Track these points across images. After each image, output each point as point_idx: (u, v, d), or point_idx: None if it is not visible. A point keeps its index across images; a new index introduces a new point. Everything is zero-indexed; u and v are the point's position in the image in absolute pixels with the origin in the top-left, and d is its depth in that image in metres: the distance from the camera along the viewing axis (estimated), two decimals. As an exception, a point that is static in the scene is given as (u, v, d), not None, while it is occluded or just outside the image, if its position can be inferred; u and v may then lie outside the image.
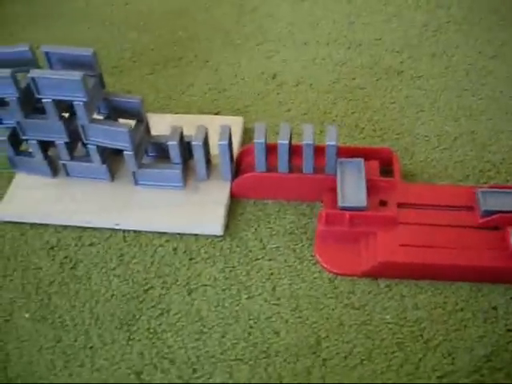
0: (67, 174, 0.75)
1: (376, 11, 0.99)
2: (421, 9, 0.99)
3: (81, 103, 0.65)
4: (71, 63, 0.67)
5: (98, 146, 0.70)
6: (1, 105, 0.70)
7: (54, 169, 0.75)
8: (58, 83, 0.64)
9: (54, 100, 0.66)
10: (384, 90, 0.86)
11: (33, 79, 0.64)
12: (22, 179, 0.75)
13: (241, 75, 0.89)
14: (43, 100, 0.66)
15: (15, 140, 0.72)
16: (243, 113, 0.83)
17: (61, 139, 0.70)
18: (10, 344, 0.62)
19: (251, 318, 0.63)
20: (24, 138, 0.71)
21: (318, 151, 0.69)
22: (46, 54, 0.66)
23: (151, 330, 0.63)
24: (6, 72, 0.65)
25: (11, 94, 0.67)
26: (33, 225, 0.72)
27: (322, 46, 0.93)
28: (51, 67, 0.67)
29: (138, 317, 0.64)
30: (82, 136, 0.69)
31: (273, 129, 0.75)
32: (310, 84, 0.87)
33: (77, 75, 0.63)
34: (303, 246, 0.69)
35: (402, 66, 0.90)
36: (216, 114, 0.84)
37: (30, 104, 0.69)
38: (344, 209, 0.67)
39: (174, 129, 0.71)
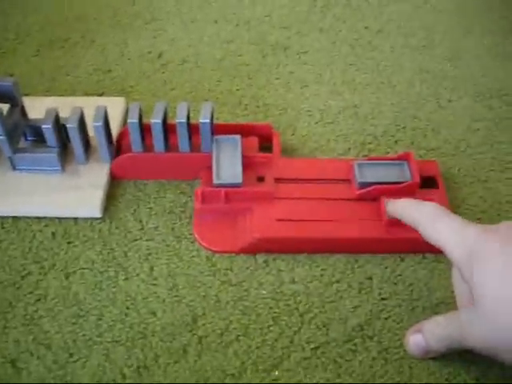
0: None
1: (266, -13, 1.00)
2: (310, -16, 1.00)
3: None
4: None
5: (-30, 132, 0.68)
6: None
7: None
8: None
9: None
10: (270, 66, 0.86)
11: None
12: None
13: (127, 55, 0.88)
14: None
15: None
16: (128, 93, 0.82)
17: None
18: None
19: (128, 299, 0.63)
20: None
21: (197, 129, 0.68)
22: None
23: (28, 317, 0.62)
24: None
25: None
26: None
27: (210, 24, 0.93)
28: None
29: (14, 304, 0.63)
30: (-48, 122, 0.67)
31: (155, 108, 0.75)
32: (195, 62, 0.87)
33: None
34: (182, 224, 0.68)
35: (288, 41, 0.90)
36: (100, 95, 0.82)
37: None
38: (219, 186, 0.67)
39: (48, 111, 0.69)
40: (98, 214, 0.68)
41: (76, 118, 0.68)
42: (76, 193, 0.69)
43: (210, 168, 0.68)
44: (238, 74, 0.85)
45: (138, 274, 0.65)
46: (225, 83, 0.84)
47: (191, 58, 0.87)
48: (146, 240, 0.67)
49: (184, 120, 0.66)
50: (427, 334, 0.57)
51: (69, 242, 0.67)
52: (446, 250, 0.55)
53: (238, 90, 0.83)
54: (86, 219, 0.69)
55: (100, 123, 0.67)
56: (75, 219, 0.69)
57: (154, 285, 0.64)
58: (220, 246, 0.66)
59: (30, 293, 0.64)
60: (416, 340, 0.58)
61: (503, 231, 0.53)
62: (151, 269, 0.65)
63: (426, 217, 0.58)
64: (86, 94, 0.82)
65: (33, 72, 0.86)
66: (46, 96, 0.81)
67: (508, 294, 0.50)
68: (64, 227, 0.68)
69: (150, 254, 0.66)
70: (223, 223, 0.67)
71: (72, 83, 0.84)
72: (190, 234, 0.68)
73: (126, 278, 0.64)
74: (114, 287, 0.64)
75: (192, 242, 0.67)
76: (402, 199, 0.63)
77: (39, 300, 0.63)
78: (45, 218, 0.69)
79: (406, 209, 0.62)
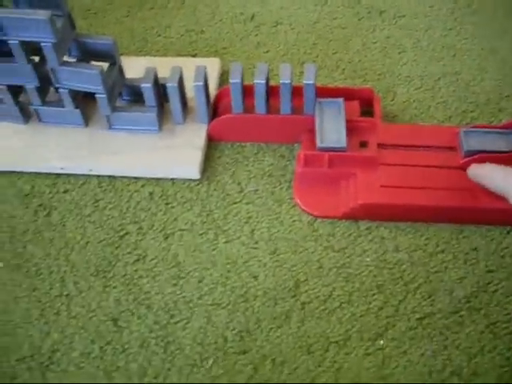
0: (40, 120, 0.72)
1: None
2: None
3: (49, 44, 0.62)
4: (37, 3, 0.63)
5: (69, 90, 0.68)
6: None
7: (26, 115, 0.72)
8: (23, 23, 0.61)
9: (20, 42, 0.63)
10: (366, 30, 0.84)
11: (-3, 19, 0.61)
12: (-8, 126, 0.73)
13: (218, 16, 0.86)
14: (9, 42, 0.63)
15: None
16: (221, 55, 0.81)
17: (31, 84, 0.68)
18: (-17, 293, 0.61)
19: (229, 262, 0.62)
20: (-8, 82, 0.69)
21: (298, 92, 0.67)
22: (12, -7, 0.64)
23: (127, 277, 0.62)
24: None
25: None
26: (5, 173, 0.70)
27: (303, -14, 0.91)
28: (17, 6, 0.64)
29: (113, 263, 0.63)
30: (53, 80, 0.67)
31: (251, 71, 0.73)
32: (289, 24, 0.84)
33: (44, 14, 0.60)
34: (282, 188, 0.67)
35: (384, 5, 0.87)
36: (193, 56, 0.81)
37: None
38: (323, 150, 0.65)
39: (148, 71, 0.68)
40: (197, 176, 0.68)
41: (176, 78, 0.67)
42: (174, 153, 0.69)
43: (311, 131, 0.67)
44: (334, 38, 0.82)
45: (238, 237, 0.64)
46: (320, 46, 0.81)
47: (284, 21, 0.85)
48: (246, 203, 0.66)
49: (288, 81, 0.65)
50: None
51: (167, 203, 0.67)
52: None
53: (334, 53, 0.80)
54: (183, 180, 0.68)
55: (201, 83, 0.66)
56: (172, 180, 0.68)
57: (255, 248, 0.63)
58: (322, 211, 0.65)
59: (129, 253, 0.63)
60: None
61: None
62: (252, 232, 0.64)
63: None
64: (179, 55, 0.81)
65: (124, 33, 0.85)
66: (138, 56, 0.80)
67: None
68: (161, 188, 0.68)
69: (250, 218, 0.65)
70: (325, 188, 0.66)
71: (164, 44, 0.83)
72: (291, 199, 0.66)
73: (227, 241, 0.63)
74: (213, 250, 0.63)
75: (293, 207, 0.66)
76: (487, 165, 0.62)
77: (138, 260, 0.63)
78: (141, 178, 0.69)
79: (491, 176, 0.60)
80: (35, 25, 0.61)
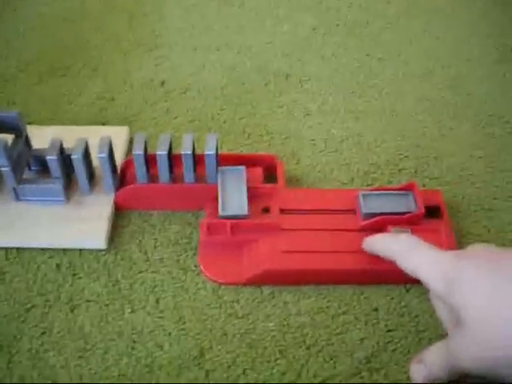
0: None
1: (267, 15, 1.00)
2: (311, 11, 1.00)
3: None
4: None
5: (-26, 163, 0.68)
6: None
7: None
8: None
9: None
10: (272, 94, 0.87)
11: None
12: None
13: (130, 83, 0.88)
14: None
15: None
16: (131, 122, 0.82)
17: None
18: None
19: (134, 332, 0.62)
20: None
21: (202, 160, 0.69)
22: None
23: (33, 351, 0.61)
24: None
25: None
26: None
27: (212, 51, 0.93)
28: None
29: (19, 338, 0.62)
30: (-43, 153, 0.67)
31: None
32: (198, 90, 0.87)
33: None
34: (187, 256, 0.68)
35: (290, 69, 0.90)
36: (103, 123, 0.82)
37: None
38: (225, 218, 0.67)
39: (53, 142, 0.69)
40: (103, 246, 0.68)
41: (81, 149, 0.68)
42: (80, 224, 0.69)
43: (215, 199, 0.68)
44: (241, 102, 0.85)
45: (143, 307, 0.64)
46: (228, 111, 0.84)
47: (194, 86, 0.87)
48: (152, 272, 0.67)
49: (189, 152, 0.66)
50: (427, 364, 0.57)
51: (74, 274, 0.67)
52: (424, 279, 0.56)
53: (241, 118, 0.83)
54: (90, 250, 0.69)
55: (105, 154, 0.67)
56: (80, 250, 0.69)
57: (161, 317, 0.63)
58: (226, 278, 0.66)
59: (35, 326, 0.63)
60: (417, 370, 0.57)
61: (478, 253, 0.54)
62: (157, 301, 0.65)
63: (401, 249, 0.59)
64: (89, 123, 0.82)
65: (35, 100, 0.86)
66: (48, 124, 0.81)
67: (494, 312, 0.50)
68: (69, 259, 0.68)
69: (155, 287, 0.66)
70: (229, 255, 0.67)
71: (75, 111, 0.84)
72: (196, 266, 0.67)
73: (132, 311, 0.64)
74: (119, 320, 0.63)
75: (198, 274, 0.67)
76: (377, 234, 0.64)
77: (44, 333, 0.63)
78: (49, 249, 0.69)
79: (381, 243, 0.63)
80: None
